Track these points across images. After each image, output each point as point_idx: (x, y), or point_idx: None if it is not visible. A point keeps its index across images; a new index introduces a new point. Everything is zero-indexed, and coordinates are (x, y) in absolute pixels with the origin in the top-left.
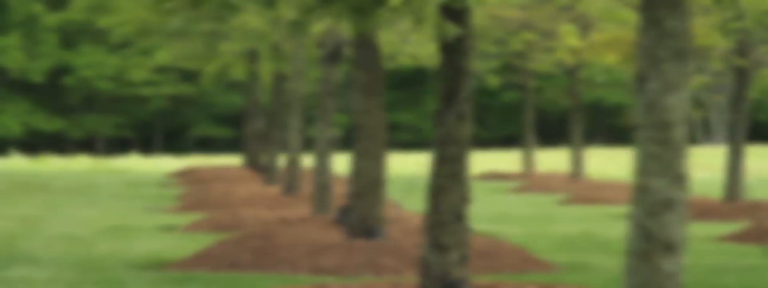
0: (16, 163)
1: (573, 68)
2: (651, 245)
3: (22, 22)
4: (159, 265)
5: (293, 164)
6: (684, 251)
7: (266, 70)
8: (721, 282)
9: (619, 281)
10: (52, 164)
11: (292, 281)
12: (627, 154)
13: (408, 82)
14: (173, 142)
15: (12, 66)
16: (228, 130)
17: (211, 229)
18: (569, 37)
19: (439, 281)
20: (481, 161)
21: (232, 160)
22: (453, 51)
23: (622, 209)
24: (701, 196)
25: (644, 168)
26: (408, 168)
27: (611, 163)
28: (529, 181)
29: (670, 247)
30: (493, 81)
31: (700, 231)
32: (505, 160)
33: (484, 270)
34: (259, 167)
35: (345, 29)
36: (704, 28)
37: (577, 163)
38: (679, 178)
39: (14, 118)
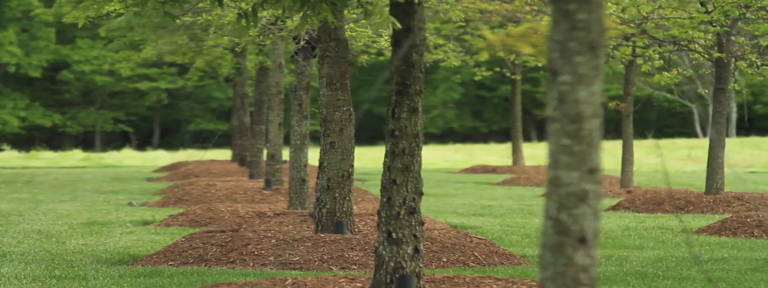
0: (8, 158)
1: None
2: (564, 238)
3: (19, 17)
4: (128, 260)
5: (274, 158)
6: (598, 244)
7: (252, 64)
8: (686, 274)
9: None
10: (44, 159)
11: (257, 275)
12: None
13: None
14: (171, 136)
15: (8, 61)
16: (225, 124)
17: (187, 224)
18: (486, 31)
19: (392, 275)
20: (475, 154)
21: (225, 154)
22: (404, 44)
23: (607, 202)
24: (683, 188)
25: (556, 161)
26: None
27: (609, 157)
28: (516, 174)
29: (583, 240)
30: (481, 75)
31: (678, 223)
32: (499, 154)
33: (451, 264)
34: (246, 161)
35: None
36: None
37: None
38: (592, 171)
39: (11, 113)
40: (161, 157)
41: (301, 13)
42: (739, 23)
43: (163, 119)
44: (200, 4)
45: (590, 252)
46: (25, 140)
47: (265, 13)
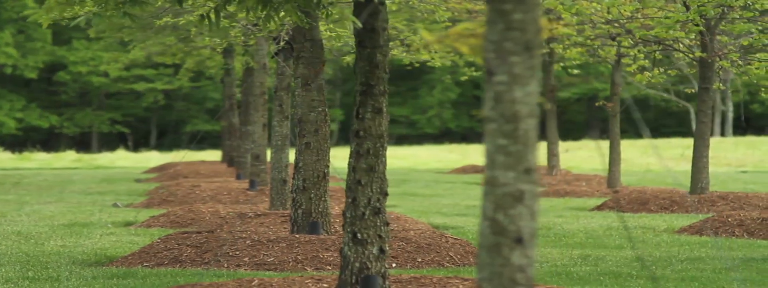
0: (1, 159)
1: (546, 61)
2: (501, 238)
3: (15, 19)
4: (104, 261)
5: (258, 159)
6: (535, 244)
7: (240, 64)
8: (661, 273)
9: (558, 274)
10: (36, 160)
11: (230, 276)
12: (625, 146)
13: (403, 77)
14: (168, 137)
15: (5, 62)
16: (220, 125)
17: (168, 225)
18: (423, 31)
19: (358, 275)
20: (469, 154)
21: (217, 155)
22: (368, 45)
23: (593, 202)
24: (669, 187)
25: (493, 161)
26: (400, 162)
27: (603, 157)
28: None
29: (520, 240)
30: (469, 75)
31: (660, 223)
32: None
33: (425, 264)
34: (235, 162)
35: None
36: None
37: (552, 156)
38: (528, 171)
39: (8, 114)
40: (154, 158)
41: (264, 13)
42: (723, 22)
43: (160, 120)
44: (186, 6)
45: (527, 252)
46: (22, 142)
47: (243, 14)
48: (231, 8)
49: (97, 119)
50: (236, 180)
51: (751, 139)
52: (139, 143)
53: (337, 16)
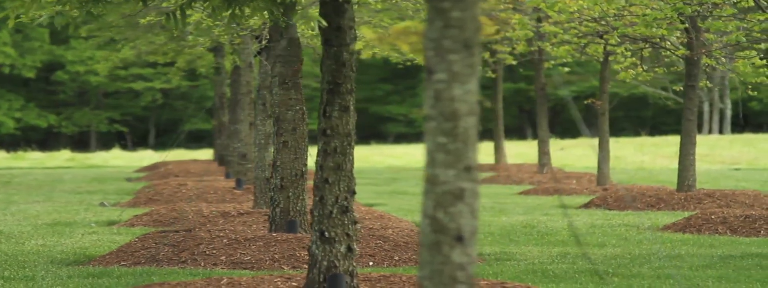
0: None
1: (536, 59)
2: (441, 236)
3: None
4: (83, 260)
5: (245, 158)
6: (476, 242)
7: (229, 63)
8: (637, 271)
9: (534, 272)
10: (30, 160)
11: (205, 275)
12: (622, 143)
13: (401, 75)
14: (166, 136)
15: (3, 62)
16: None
17: (151, 224)
18: (364, 28)
19: (325, 274)
20: None
21: (209, 154)
22: (335, 43)
23: (581, 199)
24: (656, 185)
25: (433, 159)
26: (396, 161)
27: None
28: (497, 173)
29: (460, 238)
30: None
31: (645, 220)
32: (488, 151)
33: (402, 262)
34: (225, 161)
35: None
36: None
37: (543, 154)
38: (468, 169)
39: (6, 114)
40: (148, 157)
41: (229, 12)
42: (709, 19)
43: (158, 119)
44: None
45: (467, 250)
46: (20, 142)
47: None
48: (201, 5)
49: (96, 118)
50: (225, 179)
51: (747, 137)
52: (137, 142)
53: (302, 15)
